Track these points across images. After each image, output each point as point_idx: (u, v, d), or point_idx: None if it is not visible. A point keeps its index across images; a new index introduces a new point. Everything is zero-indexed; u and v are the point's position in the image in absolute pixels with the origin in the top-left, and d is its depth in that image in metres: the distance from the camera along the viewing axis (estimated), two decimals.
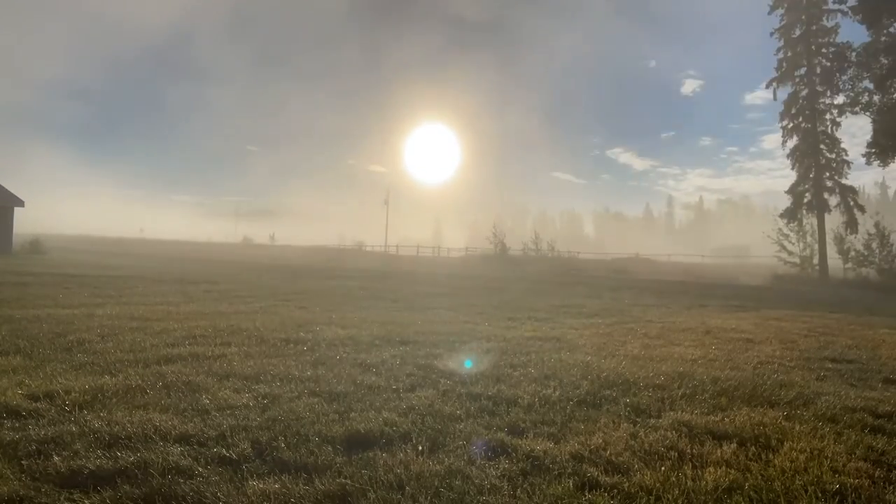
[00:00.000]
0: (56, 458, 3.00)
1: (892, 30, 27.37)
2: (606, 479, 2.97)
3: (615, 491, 2.84)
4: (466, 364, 5.43)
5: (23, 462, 2.97)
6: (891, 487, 2.99)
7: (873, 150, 28.31)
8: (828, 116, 31.54)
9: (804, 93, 32.14)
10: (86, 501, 2.64)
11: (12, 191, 33.27)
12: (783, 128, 32.91)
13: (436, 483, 2.85)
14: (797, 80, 32.54)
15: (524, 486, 2.87)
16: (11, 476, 2.83)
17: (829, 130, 31.47)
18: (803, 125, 32.11)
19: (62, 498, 2.65)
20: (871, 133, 28.25)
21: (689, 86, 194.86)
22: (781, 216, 33.04)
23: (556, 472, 3.04)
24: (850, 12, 29.53)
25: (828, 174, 31.19)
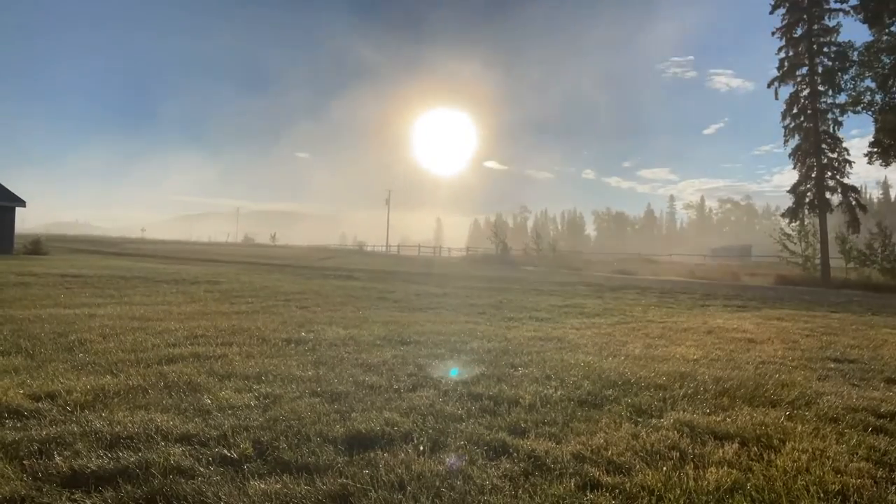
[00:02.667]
0: (57, 458, 3.01)
1: (893, 29, 27.31)
2: (608, 479, 2.97)
3: (617, 491, 2.84)
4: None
5: (24, 462, 2.98)
6: (893, 488, 2.98)
7: (875, 150, 28.26)
8: (829, 116, 31.43)
9: (805, 92, 32.04)
10: (87, 501, 2.64)
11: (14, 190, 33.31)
12: (785, 127, 32.80)
13: (437, 483, 2.85)
14: (798, 79, 32.45)
15: (525, 486, 2.87)
16: (13, 476, 2.83)
17: (831, 130, 31.37)
18: (805, 125, 32.02)
19: (64, 498, 2.66)
20: (873, 132, 28.21)
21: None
22: (783, 216, 32.98)
23: (558, 472, 3.03)
24: (851, 11, 29.46)
25: (829, 174, 31.11)
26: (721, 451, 3.40)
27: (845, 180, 30.82)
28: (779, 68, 32.84)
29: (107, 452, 3.09)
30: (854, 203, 30.62)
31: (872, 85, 28.98)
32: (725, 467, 3.14)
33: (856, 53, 29.49)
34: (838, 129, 31.27)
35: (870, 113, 29.28)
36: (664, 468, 3.11)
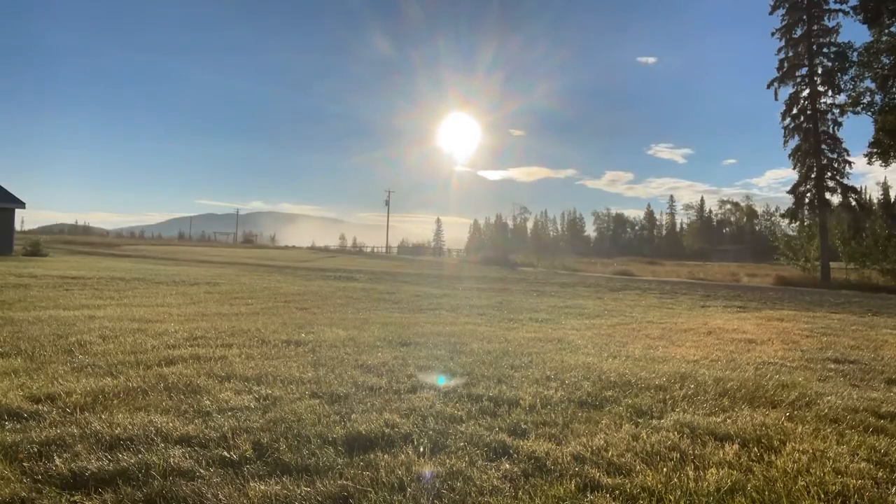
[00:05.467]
0: (57, 459, 3.00)
1: (893, 29, 27.33)
2: (608, 480, 2.97)
3: (617, 492, 2.84)
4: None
5: (24, 464, 2.97)
6: (893, 488, 2.97)
7: (875, 150, 28.27)
8: (829, 116, 31.45)
9: (805, 93, 32.04)
10: (87, 503, 2.64)
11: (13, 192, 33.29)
12: (784, 128, 32.80)
13: (437, 484, 2.85)
14: (798, 80, 32.46)
15: (525, 487, 2.86)
16: (13, 478, 2.83)
17: (831, 130, 31.39)
18: (805, 125, 32.02)
19: (63, 500, 2.65)
20: (873, 132, 28.21)
21: None
22: (783, 216, 32.98)
23: (558, 474, 3.03)
24: (851, 12, 29.48)
25: (829, 174, 31.13)
26: (721, 452, 3.39)
27: (845, 181, 30.85)
28: (778, 69, 32.85)
29: (106, 454, 3.09)
30: (854, 203, 30.64)
31: (872, 85, 29.02)
32: (726, 468, 3.14)
33: (855, 54, 29.52)
34: (838, 130, 31.31)
35: (869, 113, 29.29)
36: (664, 469, 3.11)
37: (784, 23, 32.47)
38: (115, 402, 4.02)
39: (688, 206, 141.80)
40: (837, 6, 30.63)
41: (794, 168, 32.57)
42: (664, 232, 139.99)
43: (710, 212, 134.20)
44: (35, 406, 3.88)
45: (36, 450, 3.14)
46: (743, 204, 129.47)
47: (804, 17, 31.65)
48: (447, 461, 3.14)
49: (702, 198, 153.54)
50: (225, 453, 3.15)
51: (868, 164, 28.84)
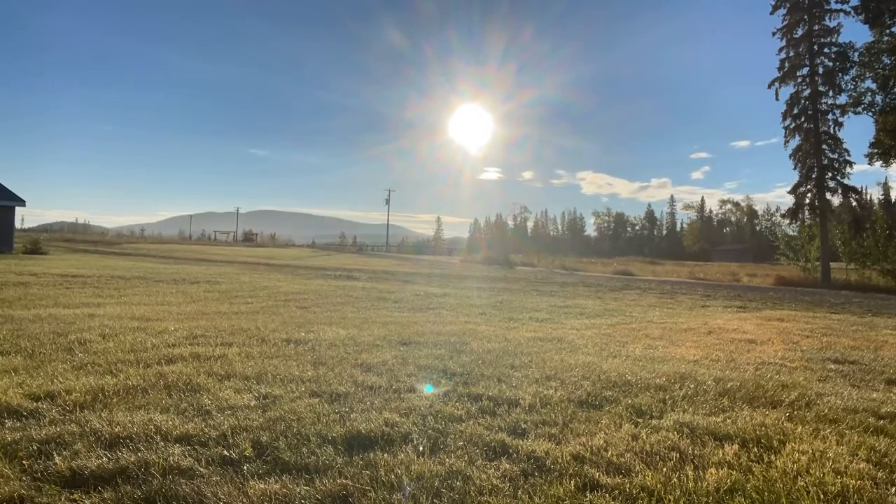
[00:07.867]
0: (57, 458, 3.00)
1: (894, 29, 27.30)
2: (608, 479, 2.97)
3: (616, 492, 2.84)
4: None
5: (24, 462, 2.98)
6: (893, 489, 2.97)
7: (876, 151, 28.27)
8: (830, 116, 31.42)
9: (806, 93, 32.00)
10: (86, 501, 2.64)
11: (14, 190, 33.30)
12: (785, 128, 32.76)
13: (436, 484, 2.85)
14: (799, 80, 32.42)
15: (525, 486, 2.87)
16: (12, 476, 2.83)
17: (832, 131, 31.37)
18: (805, 125, 31.99)
19: (63, 498, 2.66)
20: (874, 133, 28.21)
21: None
22: (784, 216, 32.98)
23: (557, 473, 3.03)
24: (852, 12, 29.46)
25: (830, 174, 31.11)
26: (721, 452, 3.39)
27: (845, 181, 30.84)
28: (779, 69, 32.80)
29: (106, 452, 3.09)
30: (855, 204, 30.64)
31: (873, 86, 28.98)
32: (725, 468, 3.14)
33: (856, 54, 29.50)
34: (839, 130, 31.29)
35: (870, 114, 29.27)
36: (664, 469, 3.11)
37: (785, 23, 32.45)
38: (114, 400, 4.02)
39: (688, 206, 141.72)
40: (838, 6, 30.61)
41: (795, 168, 32.57)
42: (664, 232, 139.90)
43: (711, 212, 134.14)
44: (35, 404, 3.88)
45: (35, 448, 3.14)
46: (743, 204, 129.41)
47: (805, 17, 31.62)
48: (446, 460, 3.14)
49: (702, 198, 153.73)
50: (224, 452, 3.15)
51: (869, 164, 29.05)
